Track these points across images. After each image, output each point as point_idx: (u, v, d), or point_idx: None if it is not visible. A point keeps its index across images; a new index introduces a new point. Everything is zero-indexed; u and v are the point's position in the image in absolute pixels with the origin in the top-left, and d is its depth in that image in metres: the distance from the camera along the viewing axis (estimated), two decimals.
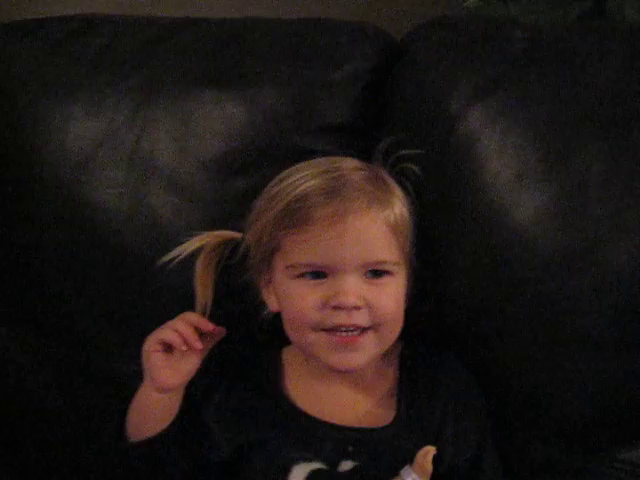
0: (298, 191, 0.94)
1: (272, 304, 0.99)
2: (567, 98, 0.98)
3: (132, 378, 0.96)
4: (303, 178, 0.95)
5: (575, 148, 0.97)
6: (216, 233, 1.02)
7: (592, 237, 0.96)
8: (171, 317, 0.95)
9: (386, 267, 0.94)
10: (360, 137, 1.07)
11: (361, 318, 0.92)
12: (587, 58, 1.00)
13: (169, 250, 1.00)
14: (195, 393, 0.97)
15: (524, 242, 0.98)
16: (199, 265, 1.00)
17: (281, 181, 0.97)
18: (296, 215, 0.93)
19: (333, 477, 0.92)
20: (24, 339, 1.13)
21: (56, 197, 1.08)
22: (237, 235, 1.01)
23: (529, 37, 1.02)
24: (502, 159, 0.98)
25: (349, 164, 0.98)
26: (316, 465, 0.93)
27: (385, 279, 0.94)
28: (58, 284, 1.09)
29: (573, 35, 1.04)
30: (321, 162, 0.99)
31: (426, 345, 1.03)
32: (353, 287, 0.91)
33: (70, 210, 1.08)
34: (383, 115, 1.08)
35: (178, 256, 1.00)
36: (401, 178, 1.01)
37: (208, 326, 0.95)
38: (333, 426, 0.95)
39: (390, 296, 0.94)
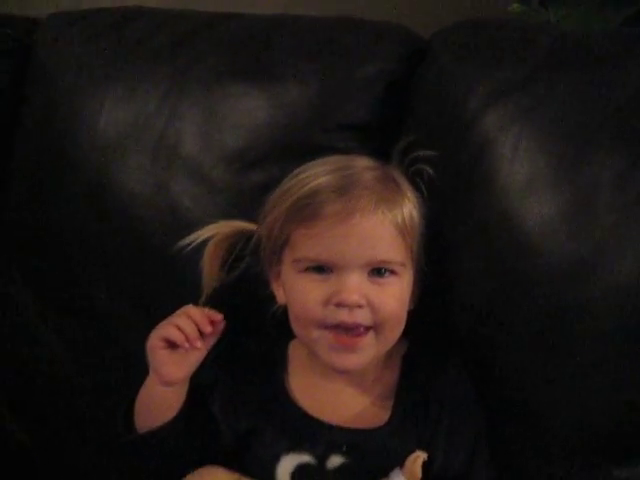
0: (309, 187, 0.95)
1: (281, 297, 1.00)
2: (583, 105, 0.96)
3: (144, 358, 0.96)
4: (316, 175, 0.96)
5: (587, 155, 0.95)
6: (230, 223, 1.04)
7: (600, 244, 0.94)
8: (186, 301, 0.96)
9: (390, 267, 0.93)
10: (380, 136, 1.07)
11: (362, 317, 0.92)
12: (609, 65, 0.98)
13: (185, 236, 1.02)
14: (203, 382, 0.98)
15: (532, 247, 0.96)
16: (208, 251, 1.02)
17: (295, 176, 0.98)
18: (305, 210, 0.93)
19: (319, 474, 0.93)
20: (43, 309, 1.17)
21: (85, 178, 1.12)
22: (251, 226, 1.03)
23: (553, 43, 1.00)
24: (514, 164, 0.97)
25: (362, 163, 0.98)
26: (305, 458, 0.94)
27: (389, 279, 0.94)
28: (79, 262, 1.13)
29: (600, 42, 1.01)
30: (336, 160, 0.99)
31: (431, 348, 1.02)
32: (356, 285, 0.91)
33: (96, 192, 1.11)
34: (404, 115, 1.07)
35: (193, 242, 1.02)
36: (416, 179, 1.00)
37: (207, 328, 0.93)
38: (327, 425, 0.96)
39: (393, 296, 0.94)
